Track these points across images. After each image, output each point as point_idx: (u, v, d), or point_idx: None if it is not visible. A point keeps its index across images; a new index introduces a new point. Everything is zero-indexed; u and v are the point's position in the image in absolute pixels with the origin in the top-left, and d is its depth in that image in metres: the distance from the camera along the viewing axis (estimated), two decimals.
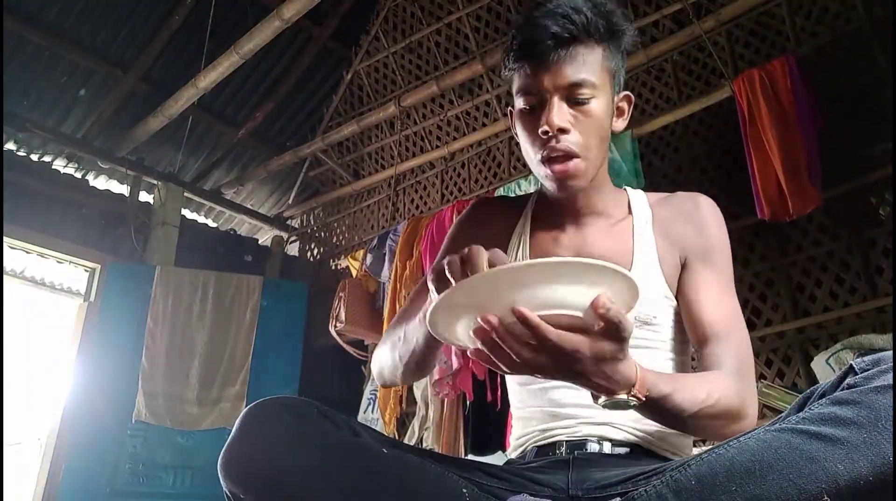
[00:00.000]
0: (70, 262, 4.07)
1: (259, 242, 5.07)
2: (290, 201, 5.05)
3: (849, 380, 0.70)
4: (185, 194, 4.55)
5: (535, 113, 0.99)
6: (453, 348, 3.17)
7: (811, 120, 2.61)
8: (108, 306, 3.83)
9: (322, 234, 4.89)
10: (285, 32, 3.51)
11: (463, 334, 0.73)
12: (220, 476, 0.80)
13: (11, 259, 4.16)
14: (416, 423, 3.53)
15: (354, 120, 4.25)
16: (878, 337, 2.48)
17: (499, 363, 0.70)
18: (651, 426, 0.96)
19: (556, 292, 0.66)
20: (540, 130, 0.96)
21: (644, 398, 0.74)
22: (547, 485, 0.90)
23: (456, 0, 4.17)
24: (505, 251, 1.10)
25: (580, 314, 0.67)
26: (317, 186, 5.00)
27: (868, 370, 0.69)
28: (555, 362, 0.68)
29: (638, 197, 1.12)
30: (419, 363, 0.96)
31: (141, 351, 3.71)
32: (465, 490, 0.85)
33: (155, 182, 4.43)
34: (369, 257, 3.75)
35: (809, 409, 0.71)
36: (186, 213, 4.73)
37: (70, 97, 4.15)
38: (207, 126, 4.61)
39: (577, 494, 0.88)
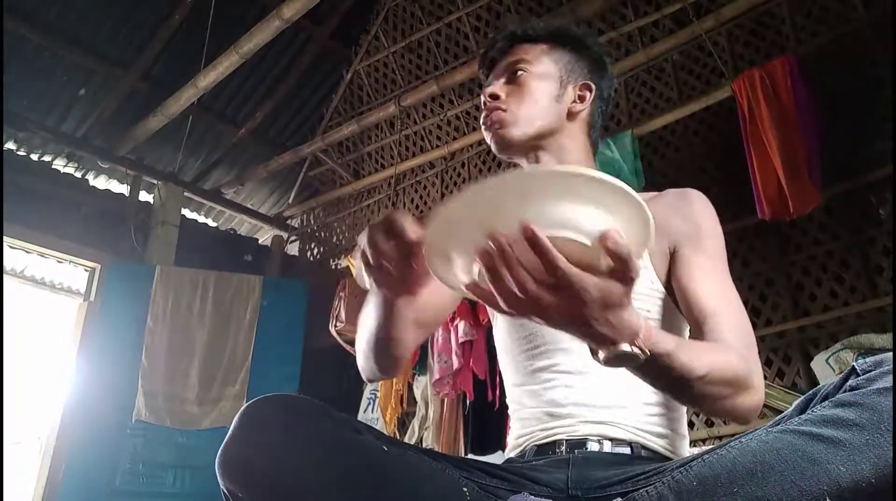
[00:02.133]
0: (70, 261, 4.06)
1: (259, 241, 5.07)
2: (290, 201, 5.05)
3: (851, 382, 0.70)
4: (185, 194, 4.55)
5: None
6: (453, 347, 3.17)
7: (811, 120, 2.61)
8: (108, 305, 3.83)
9: (322, 234, 4.88)
10: (285, 32, 3.50)
11: (460, 269, 0.68)
12: (217, 473, 0.79)
13: (11, 259, 4.14)
14: (416, 423, 3.54)
15: (354, 120, 4.25)
16: (878, 337, 2.48)
17: (499, 299, 0.64)
18: (651, 425, 0.96)
19: (569, 212, 0.60)
20: (481, 103, 1.10)
21: (649, 352, 0.68)
22: (547, 484, 0.89)
23: (456, 0, 4.17)
24: None
25: (588, 243, 0.61)
26: (317, 186, 5.00)
27: (870, 371, 0.69)
28: (559, 301, 0.63)
29: None
30: (384, 345, 0.94)
31: (141, 351, 3.71)
32: (465, 489, 0.85)
33: (155, 182, 4.42)
34: None
35: (812, 411, 0.71)
36: (186, 212, 4.73)
37: (70, 97, 4.14)
38: (207, 126, 4.60)
39: (577, 494, 0.88)
